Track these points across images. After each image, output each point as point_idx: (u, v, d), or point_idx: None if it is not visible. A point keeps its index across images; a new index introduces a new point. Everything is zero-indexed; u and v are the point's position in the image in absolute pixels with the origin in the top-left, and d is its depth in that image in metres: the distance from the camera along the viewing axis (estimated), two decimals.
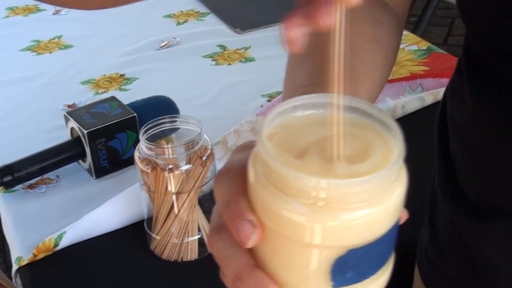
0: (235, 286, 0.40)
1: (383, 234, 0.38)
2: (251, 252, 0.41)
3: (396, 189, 0.38)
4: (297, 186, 0.36)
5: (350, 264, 0.39)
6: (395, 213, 0.39)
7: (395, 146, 0.39)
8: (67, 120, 0.93)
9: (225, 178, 0.42)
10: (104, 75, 1.19)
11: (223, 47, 1.27)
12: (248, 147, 0.43)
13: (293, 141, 0.40)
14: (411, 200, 0.84)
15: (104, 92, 1.13)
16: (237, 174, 0.41)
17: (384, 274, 0.41)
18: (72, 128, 0.92)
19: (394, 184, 0.38)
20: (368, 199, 0.37)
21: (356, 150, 0.39)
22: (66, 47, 1.29)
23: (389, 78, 1.15)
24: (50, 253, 0.81)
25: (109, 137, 0.91)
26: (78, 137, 0.91)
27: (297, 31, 0.38)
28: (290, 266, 0.39)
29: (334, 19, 0.37)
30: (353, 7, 0.36)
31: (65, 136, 0.94)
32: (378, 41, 0.60)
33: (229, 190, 0.41)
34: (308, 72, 0.55)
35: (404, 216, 0.41)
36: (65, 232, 0.82)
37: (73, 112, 0.93)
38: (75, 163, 0.94)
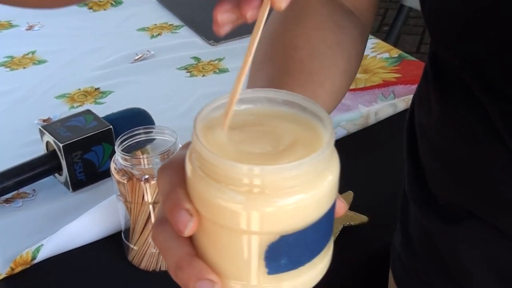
0: (176, 276, 0.42)
1: (316, 220, 0.40)
2: (192, 242, 0.42)
3: (327, 176, 0.40)
4: (231, 175, 0.38)
5: (283, 251, 0.40)
6: (328, 200, 0.40)
7: (325, 135, 0.41)
8: (42, 134, 0.93)
9: (167, 171, 0.43)
10: (79, 89, 1.19)
11: (197, 59, 1.28)
12: None
13: (227, 133, 0.41)
14: (385, 205, 0.85)
15: (79, 106, 1.13)
16: (178, 167, 0.42)
17: (321, 262, 0.43)
18: (47, 142, 0.93)
19: (325, 171, 0.40)
20: (300, 184, 0.38)
21: (288, 141, 0.41)
22: (40, 62, 1.29)
23: (362, 86, 1.17)
24: (28, 266, 0.81)
25: (85, 150, 0.91)
26: (54, 150, 0.91)
27: (223, 16, 0.40)
28: (227, 255, 0.41)
29: (258, 15, 0.40)
30: (278, 10, 0.39)
31: (41, 150, 0.94)
32: (340, 47, 0.62)
33: (170, 182, 0.42)
34: (265, 78, 0.57)
35: (342, 208, 0.43)
36: (42, 245, 0.82)
37: (48, 126, 0.93)
38: (51, 176, 0.94)
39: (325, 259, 0.43)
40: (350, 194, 0.88)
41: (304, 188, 0.39)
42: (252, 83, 0.59)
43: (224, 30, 0.41)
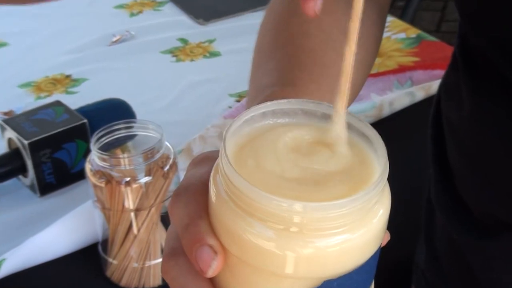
0: None
1: (364, 262, 0.39)
2: (212, 281, 0.41)
3: (378, 211, 0.38)
4: (267, 209, 0.36)
5: None
6: (377, 238, 0.39)
7: (377, 164, 0.39)
8: (3, 129, 0.92)
9: (183, 197, 0.42)
10: (47, 76, 1.18)
11: (184, 40, 1.28)
12: (208, 159, 0.42)
13: (262, 155, 0.39)
14: (404, 213, 0.84)
15: (47, 96, 1.13)
16: (196, 193, 0.41)
17: None
18: (9, 139, 0.92)
19: (376, 205, 0.38)
20: (348, 223, 0.37)
21: (334, 168, 0.39)
22: (0, 45, 1.28)
23: (375, 72, 1.17)
24: None
25: (55, 148, 0.91)
26: (17, 149, 0.90)
27: None
28: None
29: None
30: None
31: (2, 149, 0.93)
32: None
33: (188, 212, 0.41)
34: (275, 70, 0.55)
35: (386, 238, 0.41)
36: (5, 259, 0.81)
37: (11, 120, 0.92)
38: (15, 179, 0.94)
39: None
40: None
41: (353, 227, 0.37)
42: (258, 77, 0.57)
43: (318, 4, 0.39)
